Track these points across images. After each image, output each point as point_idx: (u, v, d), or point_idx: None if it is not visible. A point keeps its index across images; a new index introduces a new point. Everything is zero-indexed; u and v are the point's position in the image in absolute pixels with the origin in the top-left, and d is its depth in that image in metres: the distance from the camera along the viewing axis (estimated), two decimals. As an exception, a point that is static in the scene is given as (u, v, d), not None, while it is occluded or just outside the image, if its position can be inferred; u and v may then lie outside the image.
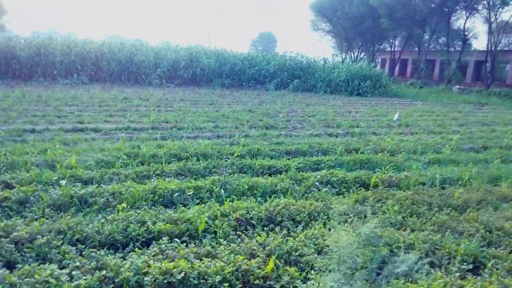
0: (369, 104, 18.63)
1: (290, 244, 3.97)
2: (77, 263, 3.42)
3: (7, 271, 3.26)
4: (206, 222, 4.37)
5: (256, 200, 5.35)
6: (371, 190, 5.96)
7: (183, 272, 3.29)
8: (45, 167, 6.11)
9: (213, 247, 3.94)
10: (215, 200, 5.24)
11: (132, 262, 3.39)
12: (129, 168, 6.33)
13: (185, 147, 7.60)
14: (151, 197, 5.13)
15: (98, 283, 3.21)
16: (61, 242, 3.83)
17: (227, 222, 4.46)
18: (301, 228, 4.50)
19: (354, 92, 23.15)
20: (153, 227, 4.18)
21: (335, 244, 2.62)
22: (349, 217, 4.29)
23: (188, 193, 5.28)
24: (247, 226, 4.50)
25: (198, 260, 3.56)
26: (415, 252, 2.96)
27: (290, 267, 3.62)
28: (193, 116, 11.95)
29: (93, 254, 3.60)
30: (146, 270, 3.34)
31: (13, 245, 3.67)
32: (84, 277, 3.22)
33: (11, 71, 20.35)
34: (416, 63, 39.97)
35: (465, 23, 32.23)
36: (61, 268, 3.38)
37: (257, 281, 3.42)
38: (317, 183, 6.01)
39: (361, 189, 5.98)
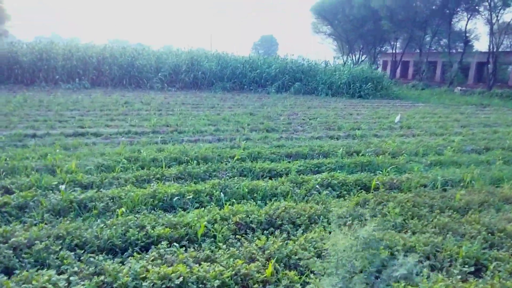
0: (371, 106, 18.59)
1: (290, 247, 3.94)
2: (75, 269, 3.41)
3: (5, 277, 3.25)
4: (205, 226, 4.35)
5: (256, 203, 5.32)
6: (372, 192, 5.93)
7: (182, 277, 3.27)
8: (45, 172, 6.11)
9: (212, 251, 3.92)
10: (215, 204, 5.22)
11: (130, 267, 3.37)
12: (129, 173, 6.32)
13: (185, 150, 7.58)
14: (151, 201, 5.11)
15: (96, 288, 3.19)
16: (60, 247, 3.81)
17: (226, 226, 4.44)
18: (301, 231, 4.47)
19: (355, 94, 23.12)
20: (152, 231, 4.17)
21: (332, 248, 2.59)
22: (347, 220, 4.26)
23: (188, 197, 5.26)
24: (247, 230, 4.48)
25: (197, 265, 3.54)
26: (413, 255, 2.93)
27: (290, 271, 3.59)
28: (194, 119, 11.96)
29: (91, 259, 3.58)
30: (144, 275, 3.32)
31: (11, 251, 3.65)
32: (82, 283, 3.21)
33: (14, 76, 20.46)
34: (417, 65, 39.90)
35: (466, 25, 32.21)
36: (59, 274, 3.37)
37: (256, 285, 3.39)
38: (317, 186, 5.99)
39: (362, 191, 5.95)
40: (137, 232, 4.13)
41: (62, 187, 5.19)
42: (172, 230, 4.25)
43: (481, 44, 63.51)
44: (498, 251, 4.26)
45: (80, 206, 4.93)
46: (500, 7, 28.33)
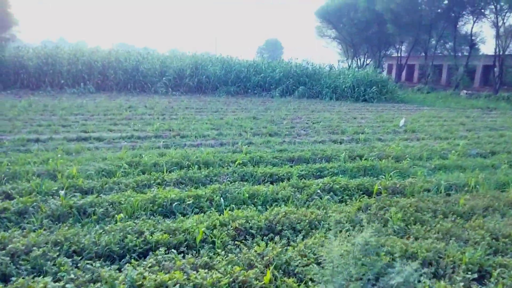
0: (375, 110, 18.50)
1: (289, 254, 3.89)
2: (72, 276, 3.37)
3: (2, 284, 3.23)
4: (204, 232, 4.31)
5: (257, 208, 5.27)
6: (374, 197, 5.86)
7: (178, 284, 3.23)
8: (47, 177, 6.12)
9: (210, 258, 3.87)
10: (215, 209, 5.18)
11: (127, 275, 3.33)
12: (130, 177, 6.30)
13: (187, 155, 7.56)
14: (150, 207, 5.08)
15: (92, 295, 3.16)
16: (57, 254, 3.79)
17: (226, 232, 4.40)
18: (301, 237, 4.42)
19: (360, 98, 23.01)
20: (151, 237, 4.13)
21: (327, 255, 2.54)
22: (345, 226, 4.20)
23: (188, 202, 5.23)
24: (246, 236, 4.43)
25: (195, 272, 3.50)
26: (411, 263, 2.86)
27: (289, 278, 3.54)
28: (197, 124, 11.95)
29: (88, 266, 3.56)
30: (141, 282, 3.28)
31: (8, 258, 3.63)
32: (78, 290, 3.18)
33: (20, 80, 20.61)
34: (423, 68, 39.72)
35: (472, 28, 32.01)
36: (55, 281, 3.35)
37: (254, 293, 3.35)
38: (319, 191, 5.93)
39: (364, 196, 5.88)
40: (135, 238, 4.10)
41: (62, 192, 5.18)
42: (170, 236, 4.22)
43: (487, 47, 63.13)
44: (502, 257, 4.19)
45: (79, 211, 4.92)
46: (506, 10, 28.14)
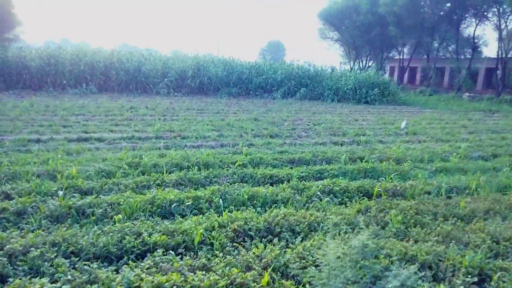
0: (377, 112, 18.46)
1: (287, 256, 3.86)
2: (69, 277, 3.36)
3: (-2, 285, 3.22)
4: (203, 233, 4.29)
5: (256, 210, 5.25)
6: (375, 199, 5.83)
7: (175, 286, 3.21)
8: (46, 178, 6.11)
9: (208, 260, 3.85)
10: (214, 210, 5.16)
11: (124, 276, 3.31)
12: (130, 178, 6.29)
13: (187, 156, 7.55)
14: (149, 208, 5.06)
15: (88, 297, 3.14)
16: (55, 254, 3.77)
17: (224, 234, 4.38)
18: (300, 239, 4.39)
19: (362, 100, 22.99)
20: (149, 238, 4.11)
21: (323, 258, 2.51)
22: (343, 229, 4.18)
23: (187, 204, 5.21)
24: (245, 238, 4.40)
25: (192, 273, 3.48)
26: (408, 267, 2.83)
27: (287, 280, 3.52)
28: (198, 125, 11.94)
29: (85, 267, 3.54)
30: (138, 284, 3.26)
31: (6, 258, 3.62)
32: (74, 291, 3.16)
33: (22, 81, 20.65)
34: (425, 70, 39.63)
35: (474, 31, 31.95)
36: (52, 282, 3.33)
37: (251, 295, 3.32)
38: (318, 193, 5.90)
39: (364, 198, 5.86)
40: (133, 240, 4.08)
41: (61, 193, 5.17)
42: (169, 237, 4.20)
43: (490, 50, 63.01)
44: (503, 260, 4.15)
45: (78, 212, 4.90)
46: (509, 13, 28.10)
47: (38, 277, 3.37)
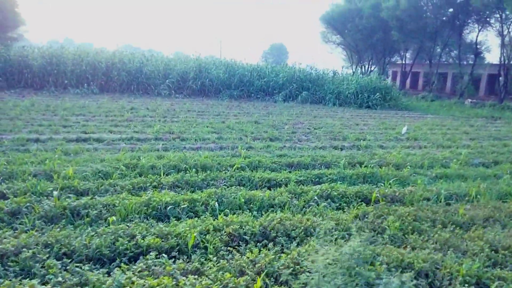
0: (378, 117, 18.40)
1: (282, 261, 3.81)
2: (60, 279, 3.32)
3: (-13, 286, 3.18)
4: (197, 237, 4.25)
5: (252, 214, 5.20)
6: (373, 205, 5.78)
7: (166, 290, 3.16)
8: (43, 178, 6.08)
9: (202, 264, 3.81)
10: (209, 213, 5.12)
11: (115, 279, 3.27)
12: (126, 180, 6.25)
13: (185, 158, 7.51)
14: (144, 210, 5.02)
15: (78, 299, 3.10)
16: (47, 256, 3.74)
17: (219, 237, 4.33)
18: (296, 244, 4.34)
19: (363, 104, 22.91)
20: (142, 241, 4.07)
21: (312, 265, 2.46)
22: (340, 235, 4.12)
23: (183, 206, 5.16)
24: (240, 242, 4.36)
25: (184, 277, 3.43)
26: (399, 275, 2.78)
27: (280, 286, 3.47)
28: (198, 127, 11.91)
29: (77, 269, 3.49)
30: (129, 287, 3.22)
31: (-3, 259, 3.59)
32: (64, 293, 3.12)
33: (24, 80, 20.68)
34: (427, 76, 39.56)
35: (477, 36, 31.86)
36: (43, 284, 3.29)
37: (244, 301, 3.27)
38: (316, 198, 5.85)
39: (362, 204, 5.80)
40: (126, 242, 4.04)
41: (55, 193, 5.13)
42: (162, 240, 4.16)
43: (493, 56, 62.84)
44: (501, 269, 4.09)
45: (73, 213, 4.87)
46: (511, 19, 28.01)
47: (28, 278, 3.32)
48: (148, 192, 5.64)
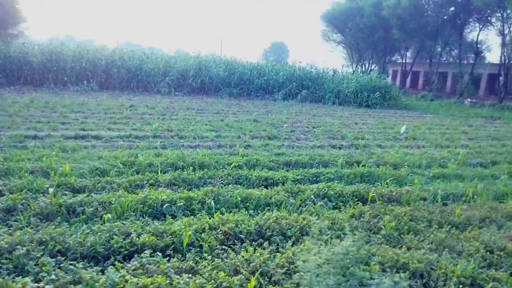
0: (377, 116, 18.38)
1: (276, 260, 3.81)
2: (53, 276, 3.31)
3: (-20, 283, 3.18)
4: (192, 235, 4.24)
5: (248, 213, 5.20)
6: (369, 205, 5.77)
7: (159, 289, 3.16)
8: (40, 175, 6.08)
9: (196, 262, 3.80)
10: (205, 212, 5.11)
11: (108, 277, 3.26)
12: (123, 177, 6.25)
13: (183, 156, 7.50)
14: (140, 208, 5.02)
15: (71, 297, 3.10)
16: (41, 253, 3.73)
17: (214, 236, 4.32)
18: (291, 243, 4.34)
19: (363, 103, 22.87)
20: (137, 239, 4.07)
21: (303, 265, 2.46)
22: (329, 234, 4.12)
23: (179, 204, 5.16)
24: (235, 240, 4.35)
25: (178, 276, 3.43)
26: (391, 276, 2.77)
27: (274, 286, 3.46)
28: (197, 125, 11.90)
29: (71, 267, 3.49)
30: (122, 285, 3.21)
31: (-9, 256, 3.58)
32: (57, 292, 3.11)
33: (24, 77, 20.66)
34: (427, 75, 39.49)
35: (478, 36, 31.78)
36: (36, 281, 3.29)
37: (237, 300, 3.27)
38: (312, 197, 5.84)
39: (358, 203, 5.80)
40: (121, 240, 4.03)
41: (51, 190, 5.12)
42: (158, 238, 4.15)
43: (493, 55, 62.71)
44: (496, 270, 4.09)
45: (68, 210, 4.86)
46: (513, 19, 27.95)
47: (22, 276, 3.32)
48: (145, 189, 5.63)
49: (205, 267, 3.66)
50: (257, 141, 10.16)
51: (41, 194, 5.26)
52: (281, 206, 5.51)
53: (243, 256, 3.88)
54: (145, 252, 3.83)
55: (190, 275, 3.47)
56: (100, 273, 3.50)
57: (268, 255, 3.87)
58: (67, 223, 4.58)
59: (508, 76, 29.01)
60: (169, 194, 5.43)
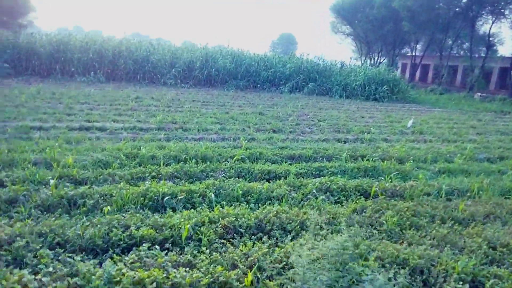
0: (385, 110, 18.21)
1: (275, 255, 3.79)
2: (51, 269, 3.32)
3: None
4: (192, 228, 4.23)
5: (249, 206, 5.17)
6: (372, 199, 5.72)
7: (156, 283, 3.15)
8: (43, 166, 6.11)
9: (194, 256, 3.79)
10: (206, 205, 5.10)
11: (105, 270, 3.26)
12: (126, 169, 6.25)
13: (186, 149, 7.49)
14: (141, 200, 5.02)
15: (67, 290, 3.10)
16: (40, 245, 3.74)
17: (214, 229, 4.31)
18: (290, 238, 4.31)
19: (370, 97, 22.66)
20: (136, 232, 4.07)
21: (296, 260, 2.43)
22: (325, 229, 4.08)
23: (180, 197, 5.15)
24: (235, 234, 4.34)
25: (175, 270, 3.42)
26: (384, 273, 2.73)
27: (271, 280, 3.44)
28: (201, 117, 11.87)
29: (68, 259, 3.50)
30: (118, 278, 3.21)
31: (-10, 248, 3.60)
32: (54, 284, 3.12)
33: (31, 67, 20.74)
34: (437, 68, 38.99)
35: (490, 28, 31.22)
36: (34, 273, 3.30)
37: (233, 295, 3.26)
38: (314, 191, 5.80)
39: (361, 198, 5.74)
40: (120, 232, 4.03)
41: (52, 181, 5.13)
42: (157, 231, 4.15)
43: (506, 48, 61.60)
44: (498, 267, 4.03)
45: (69, 202, 4.88)
46: (526, 11, 27.41)
47: (20, 268, 3.34)
48: (147, 182, 5.63)
49: (202, 261, 3.65)
50: (261, 134, 10.11)
51: (43, 186, 5.28)
52: (282, 200, 5.48)
53: (241, 250, 3.86)
54: (144, 245, 3.82)
55: (187, 268, 3.46)
56: (98, 265, 3.50)
57: (266, 250, 3.86)
58: (67, 215, 4.59)
59: (520, 70, 28.52)
60: (170, 186, 5.43)
